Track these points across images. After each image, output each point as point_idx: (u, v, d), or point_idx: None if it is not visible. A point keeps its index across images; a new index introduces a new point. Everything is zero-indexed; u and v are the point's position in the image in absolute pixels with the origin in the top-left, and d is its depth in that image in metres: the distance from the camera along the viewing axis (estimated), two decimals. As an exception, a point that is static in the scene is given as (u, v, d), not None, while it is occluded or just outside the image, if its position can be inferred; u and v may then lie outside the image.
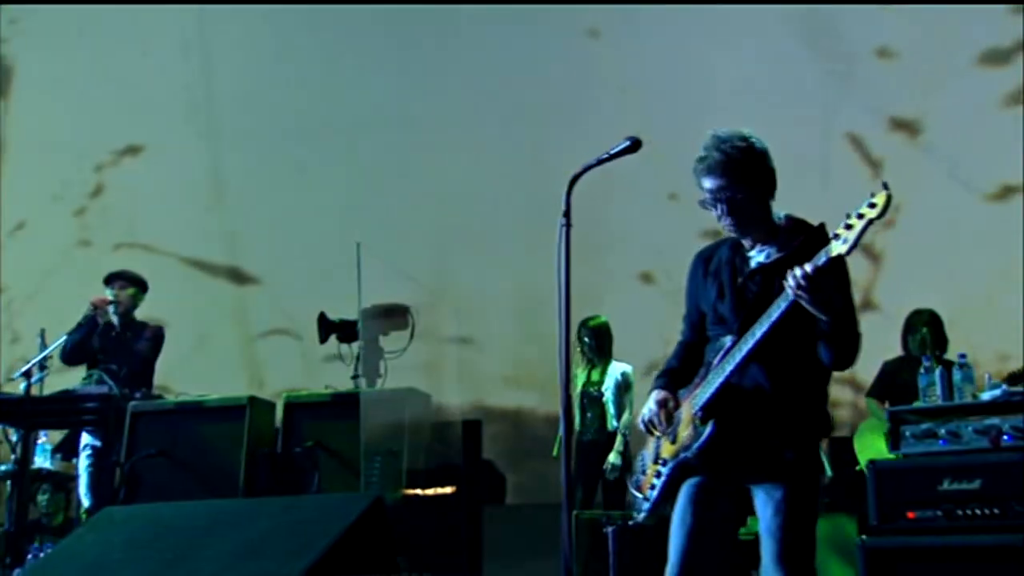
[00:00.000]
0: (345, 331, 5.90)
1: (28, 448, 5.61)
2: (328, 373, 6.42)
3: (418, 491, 5.05)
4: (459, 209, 7.97)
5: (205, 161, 8.72)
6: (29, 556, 4.90)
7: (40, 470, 6.12)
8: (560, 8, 8.11)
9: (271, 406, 5.45)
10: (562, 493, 2.77)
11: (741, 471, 2.75)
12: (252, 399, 5.34)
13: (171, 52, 8.95)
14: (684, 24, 7.88)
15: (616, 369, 6.14)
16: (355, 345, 5.89)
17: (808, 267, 2.50)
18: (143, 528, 2.61)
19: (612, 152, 2.79)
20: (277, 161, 8.44)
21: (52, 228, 8.76)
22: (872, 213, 2.47)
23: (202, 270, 8.59)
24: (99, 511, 2.78)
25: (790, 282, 2.53)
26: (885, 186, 2.46)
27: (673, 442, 2.79)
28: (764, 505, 2.70)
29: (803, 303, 2.52)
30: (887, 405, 5.15)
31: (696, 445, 2.70)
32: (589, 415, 6.07)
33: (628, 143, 2.77)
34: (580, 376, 6.15)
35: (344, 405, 5.23)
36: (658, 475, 2.81)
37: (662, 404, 2.82)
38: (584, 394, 6.10)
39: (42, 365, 5.66)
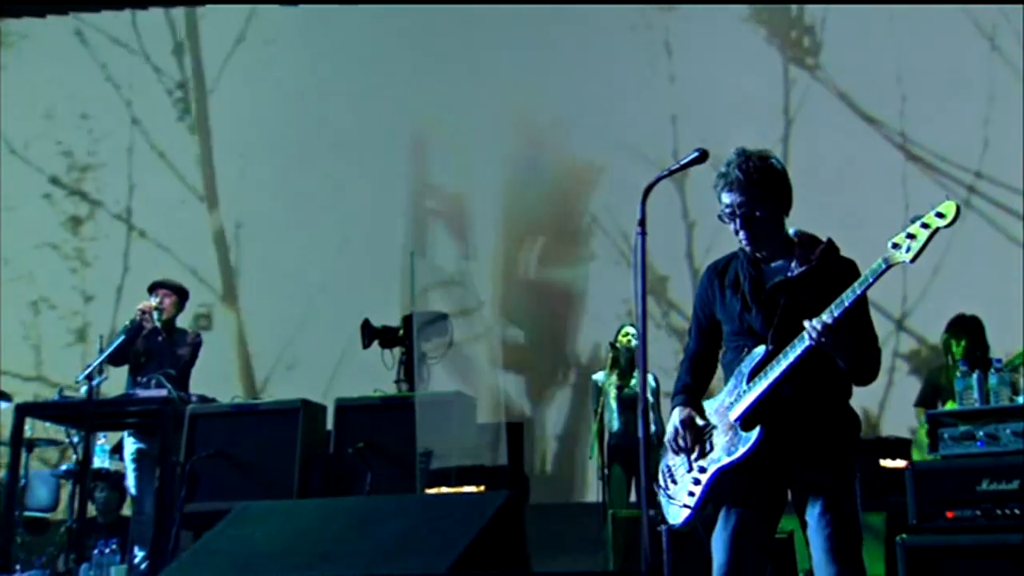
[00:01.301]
0: (387, 337, 6.05)
1: (89, 449, 5.85)
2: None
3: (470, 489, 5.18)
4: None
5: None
6: (95, 552, 5.10)
7: (99, 469, 6.32)
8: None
9: (322, 409, 5.62)
10: (641, 496, 2.86)
11: (783, 474, 2.84)
12: (304, 402, 5.51)
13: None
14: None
15: (649, 376, 6.32)
16: (396, 350, 6.07)
17: (826, 318, 2.65)
18: (283, 525, 2.71)
19: (682, 163, 2.93)
20: (297, 170, 8.63)
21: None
22: (940, 223, 2.57)
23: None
24: (236, 508, 2.83)
25: (810, 332, 2.67)
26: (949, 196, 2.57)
27: (710, 450, 2.89)
28: (811, 508, 2.80)
29: (823, 348, 2.66)
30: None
31: (742, 451, 2.80)
32: (626, 419, 6.27)
33: (696, 154, 2.90)
34: (612, 382, 6.34)
35: (393, 408, 5.40)
36: (696, 482, 2.90)
37: (687, 424, 2.92)
38: (620, 398, 6.30)
39: (100, 369, 5.89)
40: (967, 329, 5.48)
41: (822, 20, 8.16)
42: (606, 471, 6.27)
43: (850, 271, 2.84)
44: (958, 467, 4.02)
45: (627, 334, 6.42)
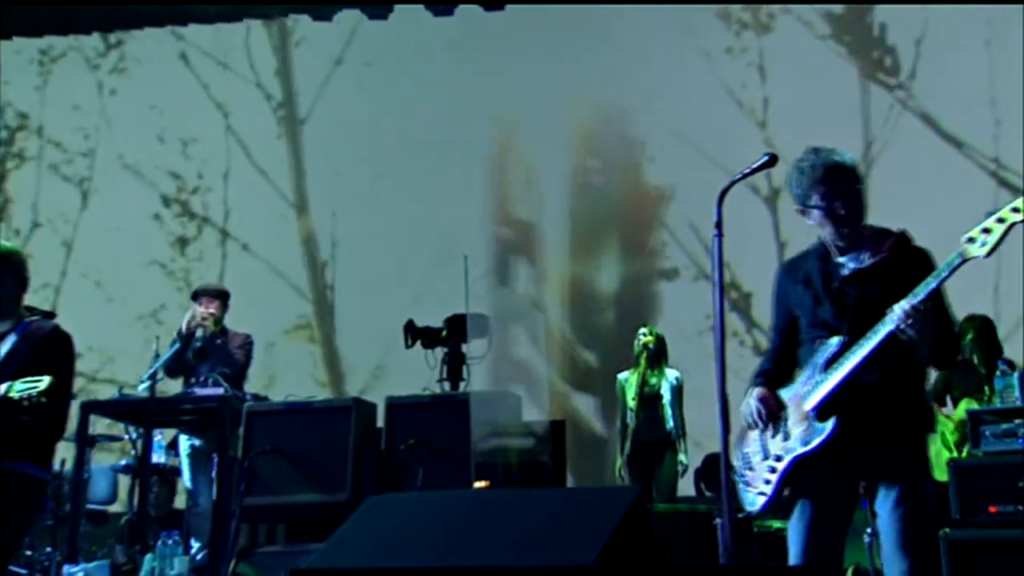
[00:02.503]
0: (429, 337, 6.20)
1: (149, 445, 6.05)
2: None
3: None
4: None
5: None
6: (159, 543, 5.30)
7: (154, 464, 6.52)
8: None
9: (373, 407, 5.79)
10: (723, 496, 2.91)
11: (858, 466, 2.90)
12: (357, 400, 5.69)
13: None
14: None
15: (671, 374, 6.69)
16: (439, 350, 6.24)
17: (914, 301, 2.71)
18: (415, 516, 2.73)
19: (753, 167, 3.04)
20: (365, 176, 8.86)
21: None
22: (1016, 217, 2.65)
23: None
24: (365, 500, 2.88)
25: (897, 314, 2.73)
26: None
27: (785, 439, 2.96)
28: (884, 498, 2.86)
29: (907, 333, 2.71)
30: (943, 410, 5.44)
31: (818, 441, 2.87)
32: (645, 416, 6.57)
33: (766, 158, 3.01)
34: (634, 379, 6.58)
35: (442, 406, 5.57)
36: (772, 470, 2.96)
37: (764, 400, 3.02)
38: (641, 396, 6.55)
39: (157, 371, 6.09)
40: (976, 329, 5.55)
41: (916, 40, 8.26)
42: (623, 469, 6.60)
43: (923, 262, 2.90)
44: (1000, 464, 4.23)
45: (645, 335, 6.72)
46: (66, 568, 5.37)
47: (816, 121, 7.82)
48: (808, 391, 2.93)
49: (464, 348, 6.10)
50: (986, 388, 5.13)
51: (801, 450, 2.90)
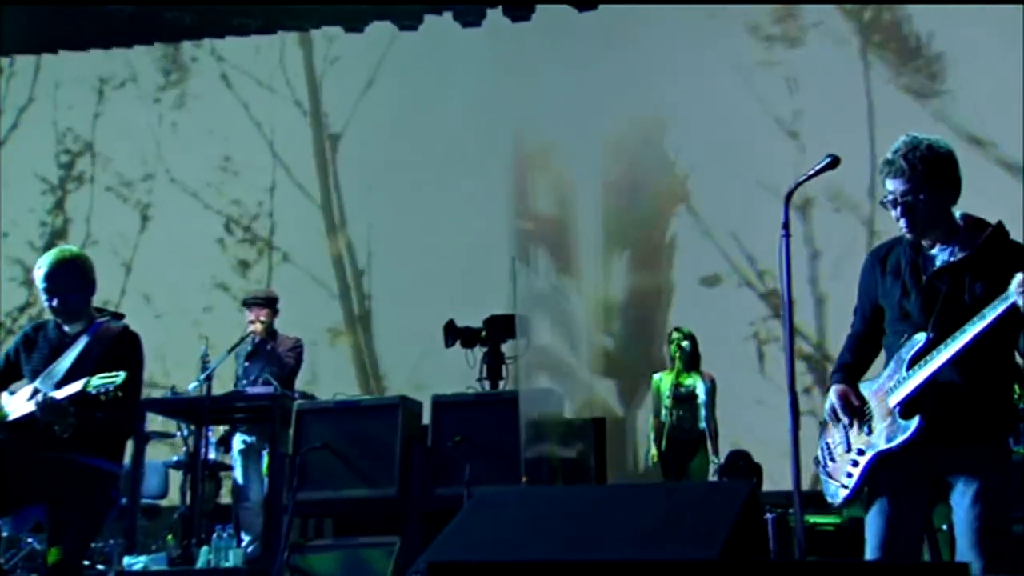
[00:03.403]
0: (468, 337, 6.36)
1: (200, 441, 6.25)
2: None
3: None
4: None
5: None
6: (214, 536, 5.49)
7: (204, 460, 6.72)
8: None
9: (419, 405, 5.95)
10: (794, 496, 2.93)
11: (939, 463, 2.87)
12: (403, 398, 5.84)
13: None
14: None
15: (706, 376, 6.93)
16: (478, 350, 6.39)
17: None
18: (529, 511, 2.72)
19: (817, 168, 3.03)
20: (399, 187, 9.09)
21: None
22: None
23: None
24: (475, 494, 2.90)
25: (1017, 286, 2.63)
26: None
27: (868, 434, 2.94)
28: (961, 496, 2.83)
29: None
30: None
31: (902, 439, 2.83)
32: (679, 415, 6.77)
33: (829, 159, 3.01)
34: (667, 379, 6.78)
35: (486, 404, 5.72)
36: (854, 463, 2.95)
37: (843, 396, 2.99)
38: (675, 395, 6.76)
39: (204, 369, 6.30)
40: None
41: (947, 49, 8.38)
42: (658, 464, 6.78)
43: (1017, 255, 2.83)
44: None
45: (676, 338, 6.92)
46: (126, 559, 5.55)
47: (846, 131, 7.88)
48: (892, 387, 2.91)
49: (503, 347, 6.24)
50: None
51: (884, 447, 2.88)
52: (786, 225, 3.00)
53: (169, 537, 6.50)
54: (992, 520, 2.80)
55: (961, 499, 2.84)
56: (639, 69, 8.72)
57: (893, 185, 2.93)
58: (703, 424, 6.81)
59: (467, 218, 8.77)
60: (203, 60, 10.11)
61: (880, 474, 2.92)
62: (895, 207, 2.94)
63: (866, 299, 3.13)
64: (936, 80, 8.45)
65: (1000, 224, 2.93)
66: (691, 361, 6.92)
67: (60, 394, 3.70)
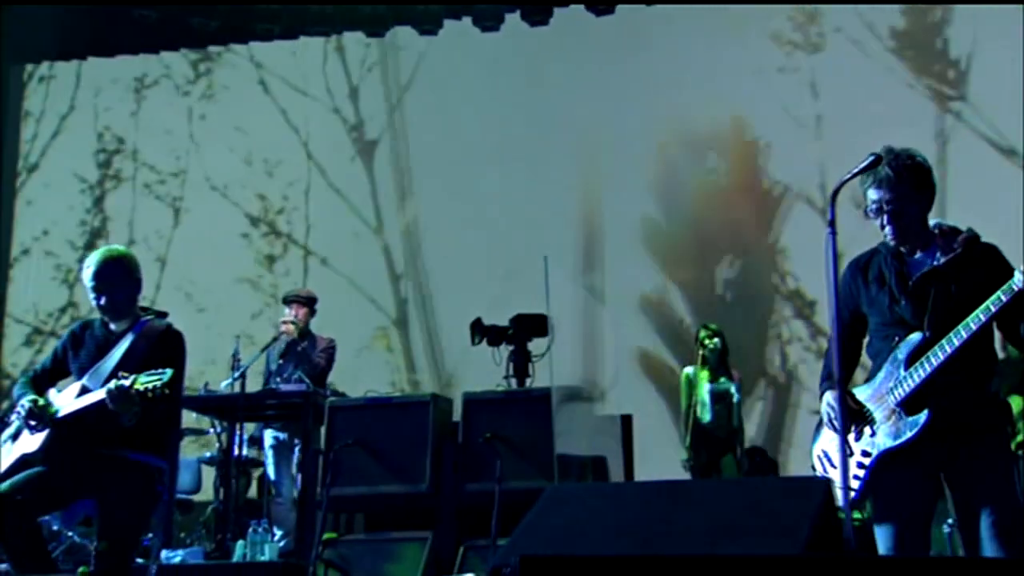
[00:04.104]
0: (494, 335, 6.40)
1: (234, 438, 6.36)
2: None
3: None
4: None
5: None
6: (249, 531, 5.58)
7: (236, 456, 6.83)
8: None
9: (449, 402, 6.02)
10: (842, 494, 2.92)
11: (943, 458, 2.94)
12: (434, 395, 5.92)
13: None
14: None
15: (735, 374, 7.05)
16: (503, 347, 6.43)
17: None
18: (602, 505, 2.74)
19: (861, 167, 3.06)
20: (437, 192, 9.21)
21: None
22: None
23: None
24: (545, 491, 2.92)
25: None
26: None
27: (872, 435, 3.00)
28: (972, 492, 2.91)
29: None
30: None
31: (910, 435, 2.91)
32: (717, 411, 6.87)
33: (872, 158, 3.05)
34: (702, 375, 6.86)
35: (517, 401, 5.76)
36: (860, 466, 3.01)
37: (842, 402, 2.99)
38: (713, 393, 6.89)
39: (236, 367, 6.41)
40: None
41: (972, 52, 8.36)
42: (691, 459, 6.83)
43: (994, 257, 3.00)
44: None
45: (705, 335, 6.98)
46: (164, 553, 5.66)
47: (869, 135, 7.91)
48: (892, 387, 2.99)
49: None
50: None
51: (891, 444, 2.95)
52: (832, 223, 3.01)
53: (203, 531, 6.62)
54: (1007, 516, 2.86)
55: (973, 498, 2.91)
56: (657, 72, 8.76)
57: (878, 194, 3.03)
58: (736, 422, 6.93)
59: (502, 219, 8.85)
60: (235, 61, 10.25)
61: (884, 473, 3.00)
62: (879, 215, 3.04)
63: (846, 309, 3.19)
64: (958, 85, 8.40)
65: (971, 229, 3.07)
66: (722, 358, 7.01)
67: (127, 383, 3.75)
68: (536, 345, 6.14)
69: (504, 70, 9.35)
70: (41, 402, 3.96)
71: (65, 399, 3.99)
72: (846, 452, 2.94)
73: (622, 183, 8.83)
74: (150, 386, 3.69)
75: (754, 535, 2.41)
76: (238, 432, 6.69)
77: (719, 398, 6.91)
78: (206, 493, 7.35)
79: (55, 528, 5.75)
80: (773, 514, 2.48)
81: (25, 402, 3.96)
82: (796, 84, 8.79)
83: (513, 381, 6.09)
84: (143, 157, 10.28)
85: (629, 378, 8.37)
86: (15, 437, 4.06)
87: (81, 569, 4.73)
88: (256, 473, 7.27)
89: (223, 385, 6.35)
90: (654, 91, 8.82)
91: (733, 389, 6.95)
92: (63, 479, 3.86)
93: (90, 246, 9.93)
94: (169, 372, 3.73)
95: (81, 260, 9.75)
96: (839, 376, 2.98)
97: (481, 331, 6.37)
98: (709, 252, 8.80)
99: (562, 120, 8.95)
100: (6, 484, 3.82)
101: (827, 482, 2.63)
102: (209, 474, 7.18)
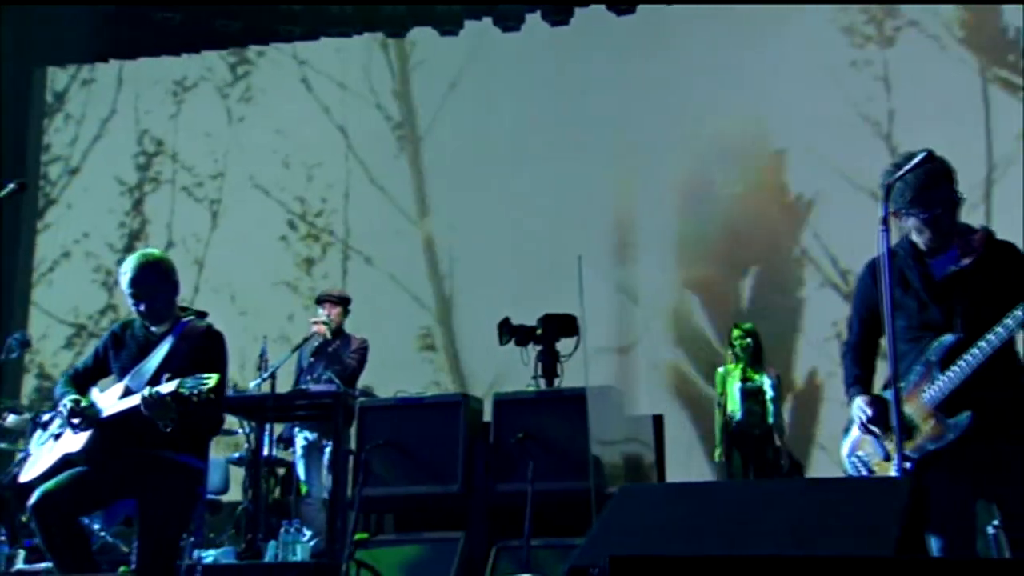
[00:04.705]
0: (522, 335, 6.33)
1: (263, 438, 6.36)
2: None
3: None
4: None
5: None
6: (280, 531, 5.57)
7: (266, 457, 6.83)
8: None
9: (480, 402, 5.98)
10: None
11: (983, 459, 2.93)
12: (465, 395, 5.88)
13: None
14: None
15: (771, 371, 7.06)
16: (531, 347, 6.36)
17: None
18: (677, 506, 2.71)
19: (914, 163, 3.04)
20: (480, 190, 9.19)
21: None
22: None
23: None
24: (620, 490, 2.88)
25: None
26: None
27: (910, 438, 2.98)
28: (1017, 487, 2.89)
29: None
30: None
31: (953, 436, 2.91)
32: (748, 410, 6.88)
33: (925, 154, 3.02)
34: (734, 373, 6.79)
35: (549, 402, 5.70)
36: (901, 468, 2.92)
37: (873, 406, 3.07)
38: (744, 391, 6.87)
39: (264, 367, 6.41)
40: None
41: None
42: (724, 458, 6.79)
43: (1012, 252, 3.04)
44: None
45: (738, 335, 7.01)
46: (196, 553, 5.67)
47: (941, 131, 7.77)
48: (927, 389, 2.98)
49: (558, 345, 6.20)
50: None
51: (934, 446, 2.94)
52: (885, 220, 2.99)
53: (232, 532, 6.63)
54: None
55: (1015, 497, 2.91)
56: (733, 71, 8.73)
57: (913, 198, 3.05)
58: (771, 419, 6.87)
59: (549, 221, 8.82)
60: (276, 59, 10.29)
61: (924, 475, 2.96)
62: (916, 219, 3.05)
63: (865, 310, 3.21)
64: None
65: (985, 227, 3.11)
66: (755, 357, 7.00)
67: (164, 389, 3.78)
68: (561, 345, 6.10)
69: (535, 70, 9.33)
70: (84, 402, 3.98)
71: (108, 399, 4.01)
72: (900, 453, 2.92)
73: (651, 183, 8.75)
74: (195, 391, 3.69)
75: (842, 536, 2.37)
76: (271, 432, 6.72)
77: (750, 396, 6.92)
78: (233, 493, 7.36)
79: (96, 527, 5.78)
80: (859, 514, 2.44)
81: (67, 401, 3.97)
82: (830, 83, 8.63)
83: (542, 381, 6.05)
84: (182, 159, 10.36)
85: (658, 380, 8.29)
86: (57, 436, 4.09)
87: (122, 569, 4.75)
88: (282, 473, 7.26)
89: (252, 385, 6.35)
90: (683, 91, 8.74)
91: (767, 386, 6.93)
92: (105, 479, 3.88)
93: (129, 248, 10.04)
94: (216, 377, 3.73)
95: (120, 262, 9.99)
96: (894, 377, 2.94)
97: (509, 331, 6.33)
98: (738, 253, 8.67)
99: (593, 120, 8.88)
100: (48, 483, 3.84)
101: (910, 482, 2.61)
102: (236, 474, 7.19)
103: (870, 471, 3.09)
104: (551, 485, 5.16)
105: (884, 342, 3.20)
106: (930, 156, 3.00)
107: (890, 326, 2.91)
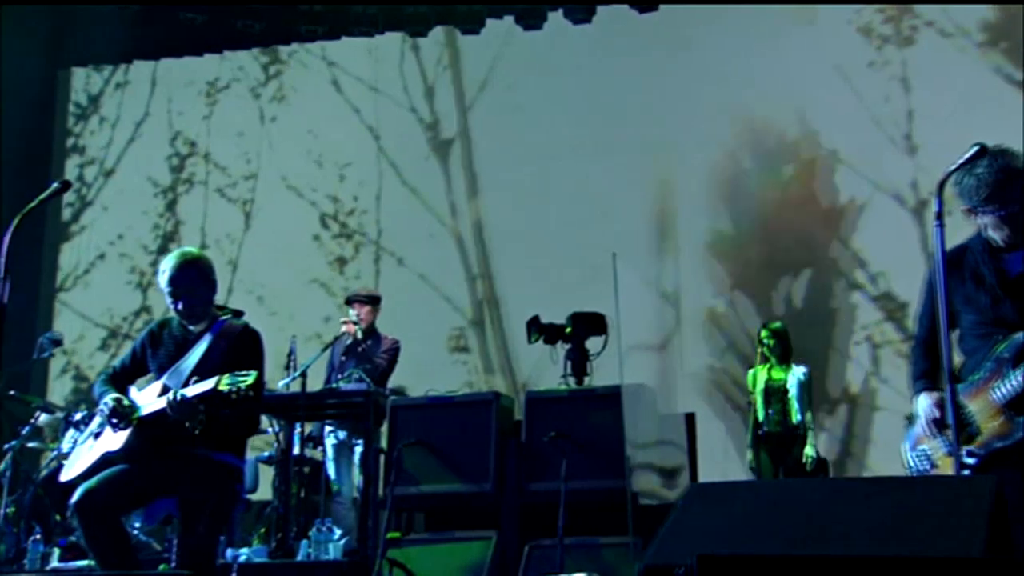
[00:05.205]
0: (551, 334, 6.26)
1: (292, 437, 6.34)
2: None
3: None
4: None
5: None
6: (313, 530, 5.56)
7: (300, 455, 6.82)
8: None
9: (511, 400, 5.92)
10: None
11: None
12: (496, 394, 5.81)
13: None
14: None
15: (797, 369, 6.97)
16: (560, 346, 6.30)
17: None
18: (754, 504, 2.66)
19: (966, 158, 2.99)
20: (513, 190, 9.17)
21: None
22: None
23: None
24: (689, 488, 2.85)
25: None
26: None
27: (977, 434, 2.97)
28: None
29: None
30: None
31: (1020, 434, 2.89)
32: (771, 409, 6.84)
33: (977, 148, 2.98)
34: (761, 374, 6.90)
35: (581, 400, 5.64)
36: (965, 466, 2.98)
37: (939, 404, 3.07)
38: (767, 390, 6.84)
39: (294, 367, 6.39)
40: None
41: None
42: (754, 460, 6.71)
43: None
44: None
45: (764, 335, 7.00)
46: (229, 551, 5.68)
47: (962, 130, 7.66)
48: (996, 386, 2.95)
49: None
50: None
51: (1000, 444, 2.92)
52: (939, 215, 2.96)
53: (262, 530, 6.62)
54: None
55: None
56: (753, 71, 8.64)
57: (985, 195, 3.04)
58: (797, 418, 6.81)
59: (583, 220, 8.77)
60: (305, 60, 10.32)
61: (989, 470, 2.94)
62: (988, 216, 3.02)
63: (933, 304, 3.14)
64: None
65: None
66: (782, 356, 6.96)
67: (191, 392, 3.79)
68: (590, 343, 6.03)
69: (562, 68, 9.29)
70: (125, 401, 3.99)
71: (146, 398, 4.03)
72: (956, 450, 2.89)
73: (682, 180, 8.70)
74: (235, 387, 3.69)
75: (927, 535, 2.31)
76: (302, 431, 6.71)
77: (773, 394, 6.89)
78: (261, 492, 7.35)
79: (136, 526, 5.80)
80: (944, 514, 2.37)
81: (109, 400, 3.99)
82: (870, 80, 8.55)
83: (571, 380, 5.99)
84: (215, 160, 10.41)
85: (693, 379, 8.21)
86: (97, 435, 4.11)
87: (162, 567, 4.76)
88: (308, 471, 7.23)
89: (280, 384, 6.34)
90: (707, 90, 8.67)
91: (791, 383, 6.87)
92: (145, 477, 3.90)
93: (163, 250, 10.10)
94: (253, 374, 3.73)
95: (154, 264, 10.15)
96: (948, 374, 2.92)
97: (538, 329, 6.29)
98: (778, 256, 8.59)
99: (623, 118, 8.84)
100: (90, 482, 3.86)
101: (995, 480, 2.53)
102: (265, 473, 7.18)
103: (933, 465, 3.08)
104: (584, 484, 5.11)
105: (954, 337, 3.19)
106: (984, 150, 2.95)
107: (944, 323, 2.89)
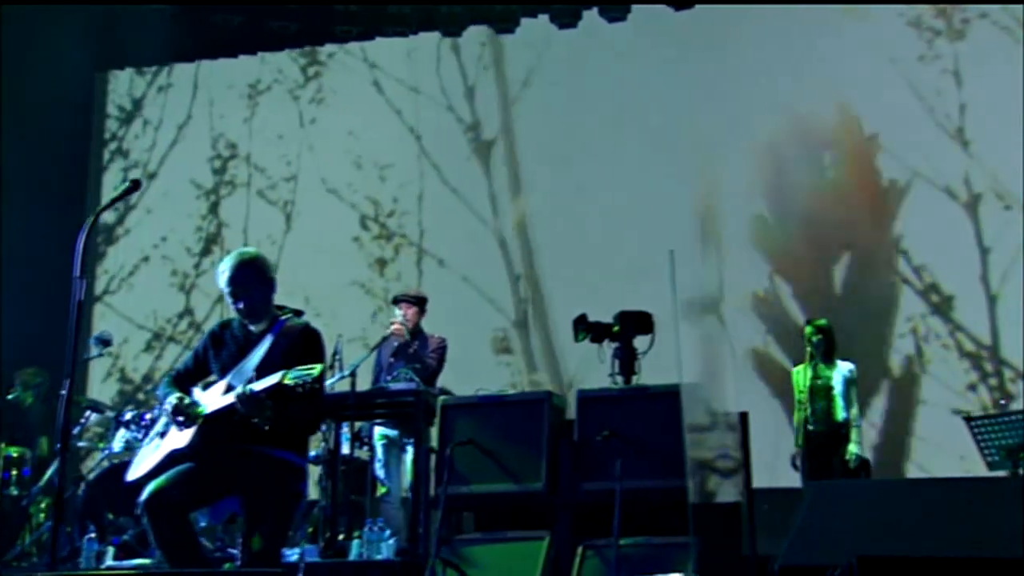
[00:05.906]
0: (598, 332, 6.20)
1: (340, 437, 6.34)
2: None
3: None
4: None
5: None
6: (365, 529, 5.55)
7: (343, 456, 6.81)
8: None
9: (563, 399, 5.88)
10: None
11: None
12: (549, 393, 5.77)
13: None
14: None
15: (843, 366, 6.94)
16: (607, 345, 6.24)
17: None
18: (877, 503, 2.64)
19: None
20: (555, 191, 9.16)
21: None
22: None
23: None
24: (809, 488, 2.84)
25: None
26: None
27: None
28: None
29: None
30: None
31: None
32: (817, 407, 6.81)
33: None
34: (806, 371, 6.93)
35: (631, 398, 5.58)
36: None
37: None
38: (812, 388, 6.83)
39: (340, 367, 6.39)
40: None
41: None
42: (801, 458, 6.66)
43: None
44: None
45: (809, 333, 6.98)
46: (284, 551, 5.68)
47: (1016, 125, 7.59)
48: None
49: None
50: None
51: None
52: None
53: (310, 530, 6.63)
54: None
55: None
56: (803, 67, 8.65)
57: None
58: (842, 416, 6.76)
59: (627, 220, 8.75)
60: (345, 62, 10.34)
61: None
62: None
63: None
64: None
65: None
66: (827, 353, 6.91)
67: (258, 387, 3.81)
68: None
69: (599, 66, 9.29)
70: (187, 400, 4.03)
71: (211, 397, 4.06)
72: None
73: (730, 178, 8.64)
74: (300, 381, 3.70)
75: None
76: (352, 431, 6.72)
77: (817, 393, 6.85)
78: (310, 492, 7.36)
79: (202, 525, 5.82)
80: None
81: (173, 399, 4.03)
82: (917, 72, 8.50)
83: (619, 379, 5.94)
84: (255, 162, 10.46)
85: (745, 376, 8.17)
86: (163, 435, 4.16)
87: (227, 566, 4.79)
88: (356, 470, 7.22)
89: (327, 384, 6.32)
90: (750, 86, 8.68)
91: (835, 381, 6.84)
92: (210, 475, 3.92)
93: (206, 252, 10.17)
94: (319, 367, 3.76)
95: (198, 266, 10.23)
96: None
97: (586, 327, 6.24)
98: (822, 248, 8.52)
99: (664, 114, 8.80)
100: (158, 480, 3.90)
101: None
102: (313, 473, 7.17)
103: None
104: (639, 483, 5.05)
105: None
106: None
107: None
